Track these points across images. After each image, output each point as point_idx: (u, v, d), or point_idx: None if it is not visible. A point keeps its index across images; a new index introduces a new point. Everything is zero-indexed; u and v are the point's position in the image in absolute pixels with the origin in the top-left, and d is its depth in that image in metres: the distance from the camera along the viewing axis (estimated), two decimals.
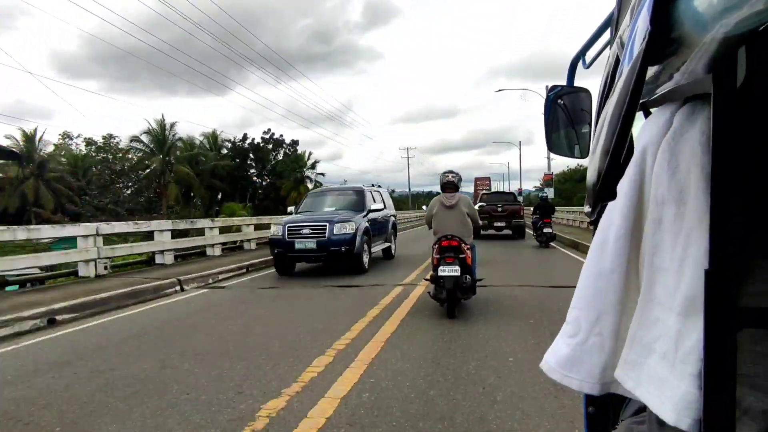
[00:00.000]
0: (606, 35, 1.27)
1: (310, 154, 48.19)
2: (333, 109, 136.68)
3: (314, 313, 6.03)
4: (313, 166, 47.71)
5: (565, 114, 1.51)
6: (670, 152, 0.64)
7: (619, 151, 0.60)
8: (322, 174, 48.61)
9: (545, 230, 13.91)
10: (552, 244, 14.23)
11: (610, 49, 0.97)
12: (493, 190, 43.34)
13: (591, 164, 0.78)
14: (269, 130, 47.84)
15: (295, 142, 48.45)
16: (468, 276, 5.48)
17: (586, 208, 0.85)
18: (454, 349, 4.28)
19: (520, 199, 20.30)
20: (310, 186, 44.42)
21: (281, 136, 48.14)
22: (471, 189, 55.99)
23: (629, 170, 0.70)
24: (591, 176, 0.76)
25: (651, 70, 0.64)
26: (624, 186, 0.71)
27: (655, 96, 0.78)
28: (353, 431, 2.76)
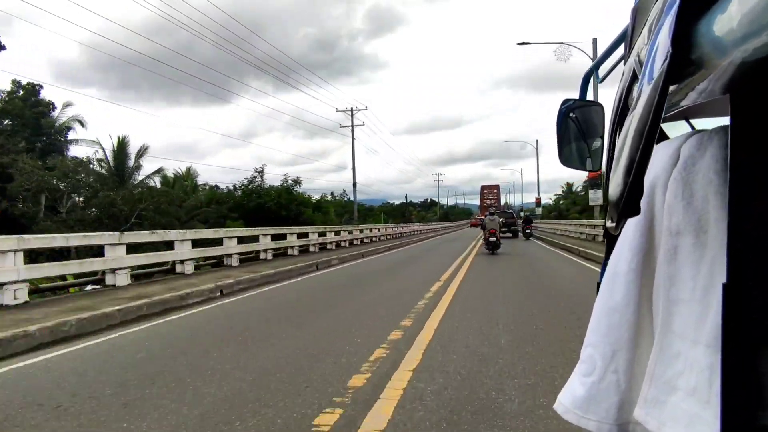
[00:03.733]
0: (620, 50, 1.26)
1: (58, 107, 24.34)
2: (337, 119, 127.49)
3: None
4: (62, 130, 23.93)
5: (577, 127, 1.52)
6: (682, 183, 0.64)
7: (643, 166, 0.62)
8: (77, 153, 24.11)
9: (526, 231, 28.26)
10: (531, 238, 27.44)
11: (625, 64, 0.97)
12: (502, 201, 57.73)
13: (614, 180, 0.78)
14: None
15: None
16: (499, 242, 16.55)
17: (608, 223, 0.82)
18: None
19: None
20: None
21: (35, 86, 24.37)
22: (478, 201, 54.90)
23: None
24: (614, 192, 0.76)
25: (669, 88, 0.65)
26: (633, 219, 0.69)
27: (671, 113, 0.80)
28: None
